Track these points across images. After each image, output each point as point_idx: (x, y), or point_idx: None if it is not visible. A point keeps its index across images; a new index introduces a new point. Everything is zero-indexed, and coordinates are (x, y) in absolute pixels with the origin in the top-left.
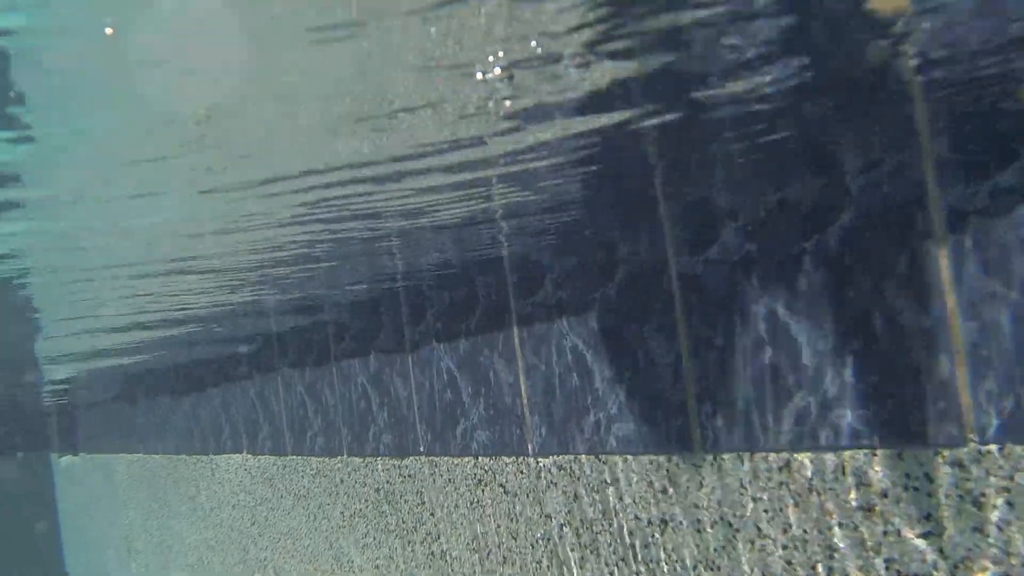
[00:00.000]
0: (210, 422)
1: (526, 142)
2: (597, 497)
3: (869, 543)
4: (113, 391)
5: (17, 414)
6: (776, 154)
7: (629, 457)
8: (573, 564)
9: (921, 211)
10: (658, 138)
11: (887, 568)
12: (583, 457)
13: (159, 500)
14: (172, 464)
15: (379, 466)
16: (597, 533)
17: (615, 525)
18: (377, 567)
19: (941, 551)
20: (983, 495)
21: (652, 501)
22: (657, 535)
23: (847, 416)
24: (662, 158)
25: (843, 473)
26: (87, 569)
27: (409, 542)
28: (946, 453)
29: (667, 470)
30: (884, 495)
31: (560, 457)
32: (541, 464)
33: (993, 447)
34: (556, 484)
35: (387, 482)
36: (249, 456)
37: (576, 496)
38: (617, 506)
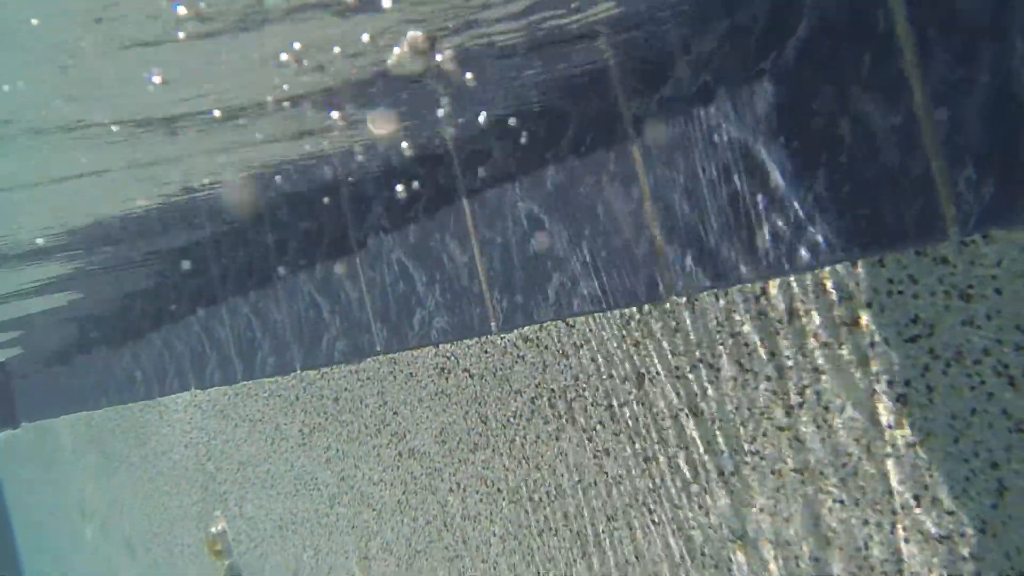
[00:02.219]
0: (153, 364)
1: None
2: (567, 363)
3: (856, 358)
4: (47, 353)
5: None
6: None
7: (598, 315)
8: (548, 437)
9: (881, 7)
10: None
11: (876, 379)
12: (550, 324)
13: (108, 456)
14: (118, 416)
15: (335, 375)
16: (571, 400)
17: (589, 389)
18: (343, 479)
19: (932, 351)
20: (970, 287)
21: (625, 356)
22: (634, 390)
23: (823, 232)
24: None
25: (823, 291)
26: (40, 544)
27: (374, 447)
28: (929, 251)
29: (638, 321)
30: (868, 306)
31: (525, 329)
32: (506, 340)
33: (976, 236)
34: (523, 357)
35: (345, 389)
36: (198, 392)
37: (545, 366)
38: (589, 368)
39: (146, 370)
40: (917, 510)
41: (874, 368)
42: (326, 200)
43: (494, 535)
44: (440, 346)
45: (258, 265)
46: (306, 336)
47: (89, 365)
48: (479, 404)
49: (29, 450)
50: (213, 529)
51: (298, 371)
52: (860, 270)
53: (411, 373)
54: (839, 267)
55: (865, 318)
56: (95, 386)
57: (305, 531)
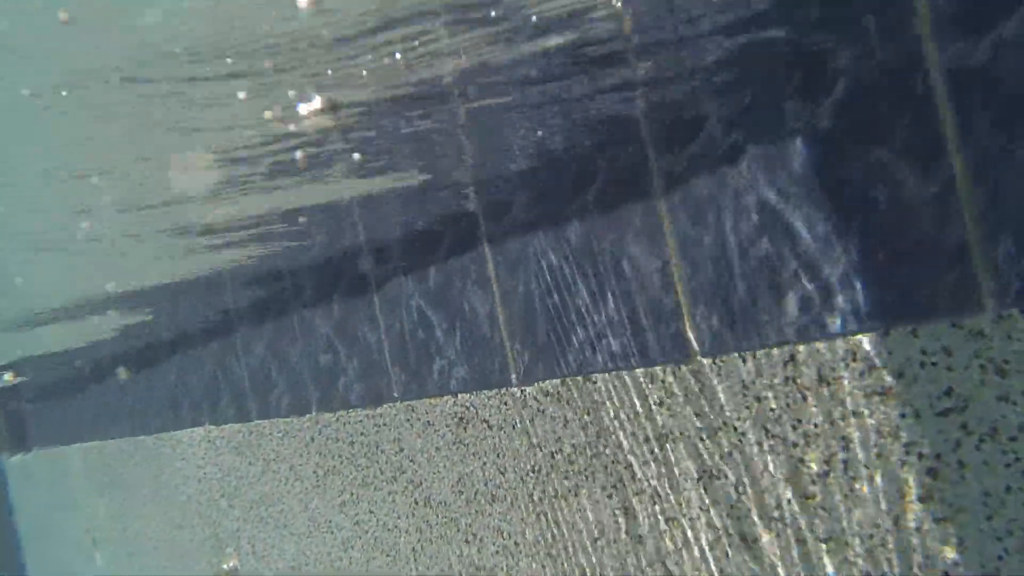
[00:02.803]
0: (166, 397)
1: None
2: (588, 419)
3: (886, 428)
4: (61, 381)
5: None
6: (759, 48)
7: (621, 373)
8: (567, 493)
9: (919, 72)
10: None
11: (907, 452)
12: (570, 379)
13: (120, 486)
14: (131, 447)
15: (351, 418)
16: (591, 458)
17: (610, 447)
18: (357, 523)
19: (964, 426)
20: (1006, 362)
21: (648, 416)
22: (656, 451)
23: (854, 299)
24: (638, 51)
25: (853, 359)
26: (49, 568)
27: (390, 493)
28: (964, 323)
29: (662, 381)
30: (899, 375)
31: (546, 383)
32: (526, 393)
33: (1014, 311)
34: (543, 411)
35: (361, 434)
36: (212, 427)
37: (566, 421)
38: (611, 426)
39: (160, 403)
40: None
41: (904, 440)
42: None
43: None
44: (459, 396)
45: (276, 303)
46: (323, 377)
47: (102, 395)
48: (497, 456)
49: (41, 475)
50: (225, 566)
51: (314, 412)
52: (892, 339)
53: (429, 421)
54: (871, 335)
55: (896, 388)
56: (108, 415)
57: (317, 574)
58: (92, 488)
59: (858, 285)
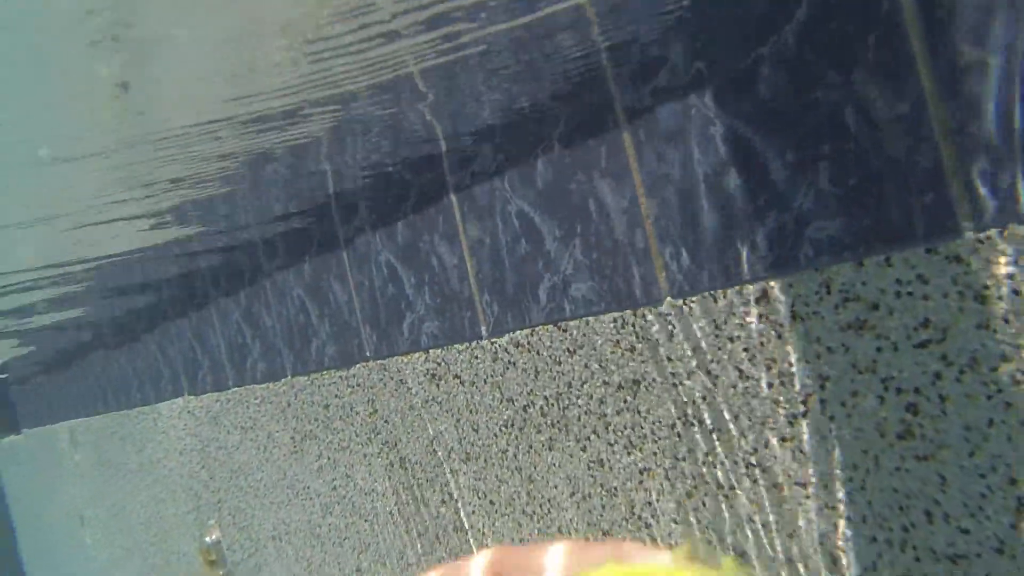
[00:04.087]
0: (148, 370)
1: None
2: (560, 369)
3: (863, 363)
4: (45, 360)
5: None
6: None
7: (591, 319)
8: (541, 447)
9: None
10: None
11: (885, 387)
12: (541, 328)
13: (106, 463)
14: (115, 422)
15: (326, 381)
16: (564, 408)
17: (583, 397)
18: (335, 488)
19: (944, 357)
20: (986, 287)
21: (620, 362)
22: (629, 398)
23: (826, 229)
24: None
25: (827, 292)
26: (40, 548)
27: (365, 456)
28: (940, 248)
29: (633, 325)
30: (875, 308)
31: (516, 333)
32: (497, 345)
33: (993, 232)
34: (515, 363)
35: (336, 396)
36: (191, 398)
37: (537, 372)
38: (583, 375)
39: (142, 376)
40: (929, 527)
41: (882, 375)
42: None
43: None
44: (430, 351)
45: (249, 268)
46: (296, 341)
47: (87, 371)
48: (470, 412)
49: (30, 455)
50: (207, 539)
51: (289, 377)
52: (866, 269)
53: (401, 380)
54: (843, 266)
55: (872, 321)
56: (93, 391)
57: (298, 542)
58: (80, 466)
59: (829, 214)
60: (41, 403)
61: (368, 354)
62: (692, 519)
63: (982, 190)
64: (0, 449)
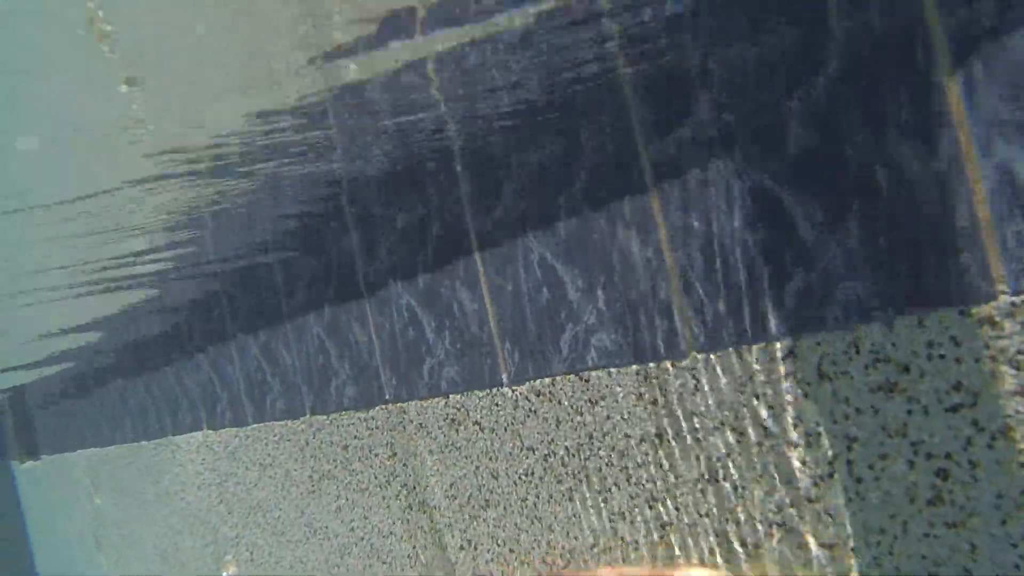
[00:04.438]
0: (166, 402)
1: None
2: (581, 420)
3: (892, 426)
4: (65, 387)
5: None
6: (746, 6)
7: (613, 371)
8: (562, 497)
9: (920, 44)
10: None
11: (915, 452)
12: (562, 378)
13: (123, 491)
14: (132, 453)
15: (345, 421)
16: (585, 460)
17: (604, 448)
18: (352, 530)
19: (976, 423)
20: (1020, 352)
21: (643, 415)
22: (652, 452)
23: (856, 289)
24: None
25: (856, 352)
26: (58, 570)
27: (383, 498)
28: (974, 311)
29: (656, 378)
30: (905, 370)
31: (537, 382)
32: (517, 393)
33: None
34: (535, 412)
35: (355, 437)
36: (210, 432)
37: (558, 422)
38: (605, 426)
39: (160, 408)
40: None
41: (912, 439)
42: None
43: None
44: (450, 397)
45: (269, 304)
46: (316, 380)
47: (104, 401)
48: (490, 459)
49: (49, 479)
50: (224, 573)
51: (308, 415)
52: (897, 331)
53: (420, 424)
54: (874, 327)
55: (902, 383)
56: (111, 420)
57: None
58: (96, 493)
59: (859, 273)
60: (62, 430)
61: (388, 397)
62: None
63: (1019, 253)
64: (21, 473)
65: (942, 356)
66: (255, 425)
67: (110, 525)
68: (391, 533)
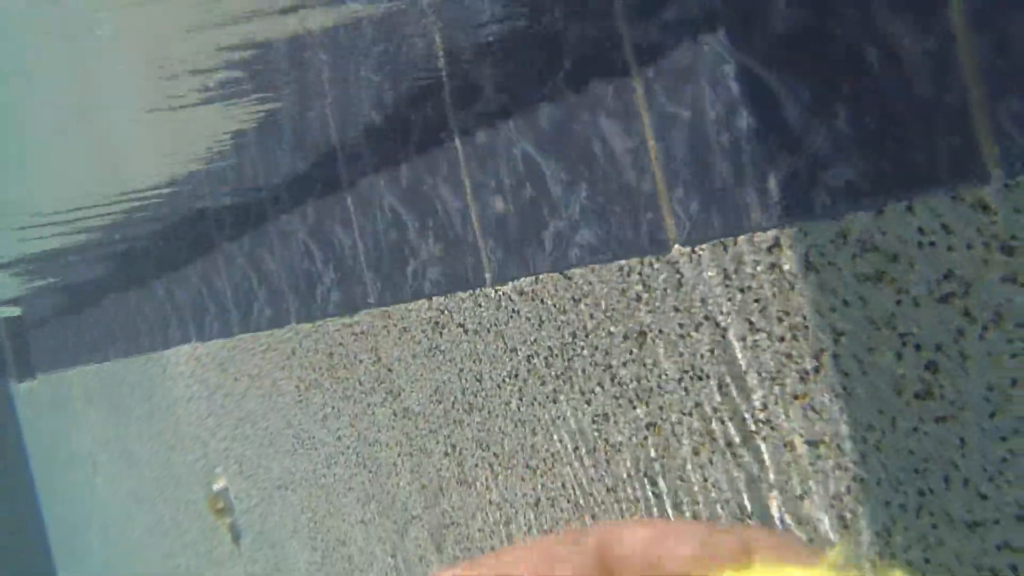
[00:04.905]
0: (156, 316)
1: None
2: (564, 319)
3: (880, 318)
4: (58, 303)
5: None
6: None
7: (596, 267)
8: (545, 399)
9: None
10: None
11: (903, 344)
12: (545, 276)
13: (117, 409)
14: (125, 368)
15: (330, 328)
16: (569, 359)
17: (588, 348)
18: (339, 438)
19: (967, 312)
20: (1014, 238)
21: (627, 312)
22: (635, 350)
23: (843, 173)
24: None
25: (844, 241)
26: (56, 493)
27: (369, 405)
28: (966, 195)
29: (640, 273)
30: (894, 259)
31: (520, 281)
32: (500, 293)
33: (1023, 178)
34: (519, 312)
35: (340, 344)
36: (199, 344)
37: (541, 322)
38: (588, 325)
39: (151, 322)
40: (946, 492)
41: (901, 330)
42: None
43: (490, 503)
44: (434, 299)
45: (254, 211)
46: (301, 286)
47: (98, 316)
48: (474, 362)
49: (46, 400)
50: (215, 487)
51: (293, 323)
52: (886, 217)
53: (404, 327)
54: (862, 214)
55: (891, 273)
56: (103, 337)
57: (303, 491)
58: (91, 412)
59: (846, 159)
60: (55, 347)
61: (372, 301)
62: (699, 476)
63: (1013, 133)
64: (18, 394)
65: (932, 244)
66: (242, 335)
67: (105, 444)
68: (376, 441)
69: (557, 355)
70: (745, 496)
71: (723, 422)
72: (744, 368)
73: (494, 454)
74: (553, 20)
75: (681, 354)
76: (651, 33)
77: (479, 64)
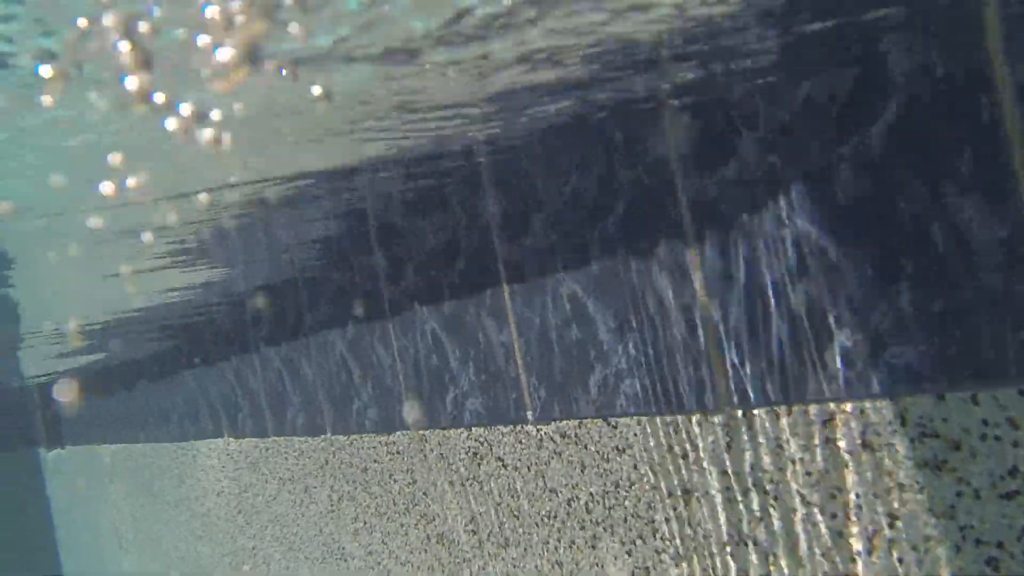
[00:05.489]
0: (188, 406)
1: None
2: (607, 467)
3: (939, 507)
4: (92, 381)
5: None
6: (804, 42)
7: (643, 418)
8: (584, 544)
9: (986, 94)
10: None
11: (963, 537)
12: (589, 421)
13: (145, 490)
14: (155, 452)
15: (365, 444)
16: (610, 508)
17: (631, 499)
18: (370, 553)
19: None
20: None
21: (672, 468)
22: (680, 507)
23: (905, 354)
24: (664, 63)
25: (903, 424)
26: (80, 561)
27: (402, 525)
28: None
29: (687, 431)
30: (956, 448)
31: (563, 423)
32: (542, 432)
33: None
34: (560, 454)
35: (375, 460)
36: (231, 440)
37: (583, 466)
38: (631, 476)
39: (182, 411)
40: None
41: (961, 522)
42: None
43: None
44: (473, 429)
45: (292, 317)
46: (337, 398)
47: (130, 397)
48: (512, 497)
49: (74, 470)
50: None
51: (328, 434)
52: (949, 405)
53: (442, 454)
54: (923, 398)
55: (952, 462)
56: (135, 419)
57: None
58: (119, 489)
59: (909, 338)
60: (86, 421)
61: (409, 423)
62: None
63: None
64: (47, 462)
65: (997, 438)
66: (276, 438)
67: (132, 521)
68: (408, 562)
69: (598, 501)
70: None
71: None
72: (793, 541)
73: None
74: (609, 161)
75: (727, 518)
76: (708, 188)
77: (528, 198)
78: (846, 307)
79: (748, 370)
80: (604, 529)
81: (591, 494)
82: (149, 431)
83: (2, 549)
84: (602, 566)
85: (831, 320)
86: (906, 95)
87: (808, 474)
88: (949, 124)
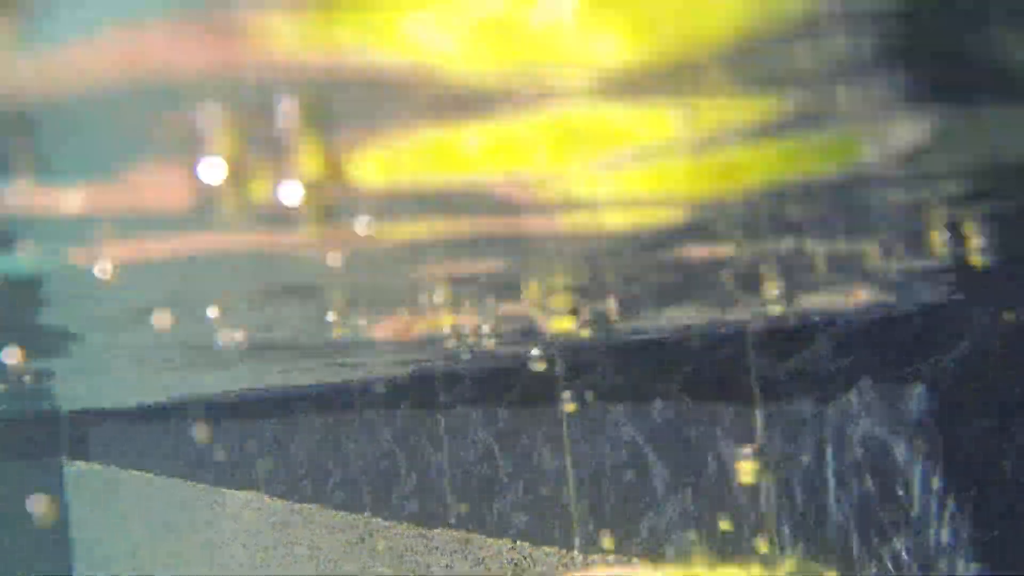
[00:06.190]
0: (223, 453)
1: None
2: None
3: None
4: (126, 411)
5: (28, 419)
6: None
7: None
8: None
9: None
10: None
11: None
12: (637, 560)
13: (164, 525)
14: (181, 489)
15: (404, 532)
16: None
17: None
18: None
19: None
20: None
21: None
22: None
23: (959, 568)
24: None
25: None
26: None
27: None
28: None
29: None
30: None
31: (610, 556)
32: (589, 561)
33: None
34: None
35: (412, 550)
36: (265, 496)
37: None
38: None
39: (216, 456)
40: None
41: None
42: None
43: None
44: (518, 543)
45: (341, 396)
46: (378, 481)
47: (163, 430)
48: None
49: (95, 488)
50: None
51: (367, 514)
52: None
53: (482, 558)
54: None
55: None
56: (167, 451)
57: None
58: (140, 515)
59: (964, 554)
60: (115, 442)
61: (452, 522)
62: None
63: None
64: (68, 474)
65: None
66: (310, 505)
67: (150, 550)
68: None
69: None
70: None
71: None
72: None
73: None
74: (683, 327)
75: None
76: (778, 371)
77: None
78: (905, 512)
79: (802, 548)
80: None
81: None
82: (178, 465)
83: (17, 555)
84: None
85: (890, 519)
86: (978, 332)
87: None
88: (1009, 360)
